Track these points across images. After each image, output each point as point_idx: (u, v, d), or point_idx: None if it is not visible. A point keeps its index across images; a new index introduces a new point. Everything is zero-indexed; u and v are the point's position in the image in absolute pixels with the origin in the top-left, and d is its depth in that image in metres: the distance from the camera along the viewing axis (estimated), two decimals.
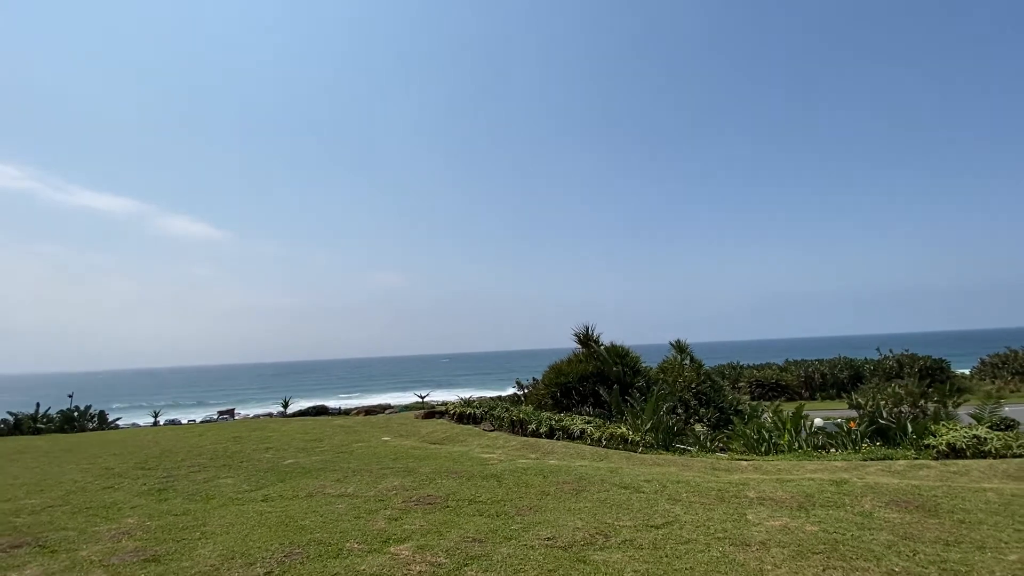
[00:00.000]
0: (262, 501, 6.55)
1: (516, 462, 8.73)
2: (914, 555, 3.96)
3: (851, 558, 3.92)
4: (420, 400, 25.87)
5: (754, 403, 22.97)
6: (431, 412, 17.35)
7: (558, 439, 11.29)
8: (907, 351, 54.17)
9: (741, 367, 57.23)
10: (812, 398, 48.44)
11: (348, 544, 4.55)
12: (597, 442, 10.58)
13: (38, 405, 24.18)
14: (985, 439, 7.82)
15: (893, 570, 3.67)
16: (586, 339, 19.71)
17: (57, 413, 27.07)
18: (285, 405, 24.16)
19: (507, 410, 14.65)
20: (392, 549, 4.39)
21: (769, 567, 3.78)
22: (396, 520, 5.33)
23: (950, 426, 8.83)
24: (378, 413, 21.61)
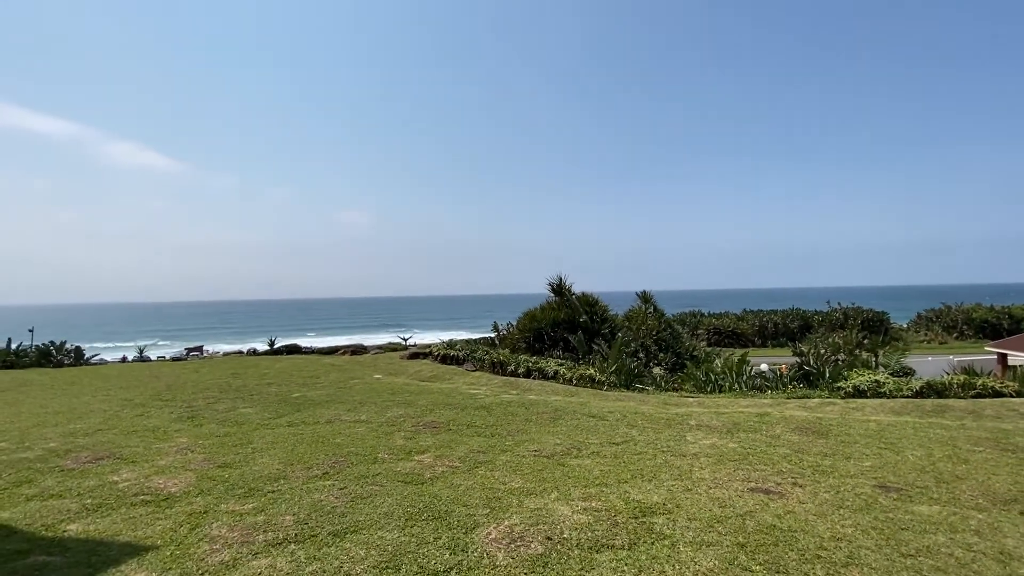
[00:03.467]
0: (287, 426, 7.72)
1: (500, 397, 10.14)
2: (800, 461, 5.49)
3: (755, 463, 5.42)
4: (403, 341, 27.13)
5: (709, 349, 25.27)
6: (415, 353, 18.66)
7: (534, 379, 12.78)
8: (853, 304, 58.43)
9: (701, 315, 60.54)
10: (764, 346, 52.28)
11: (380, 455, 5.81)
12: (568, 381, 12.11)
13: (10, 340, 24.37)
14: (883, 383, 9.63)
15: (781, 470, 5.17)
16: (559, 288, 21.10)
17: (32, 348, 27.21)
18: (271, 344, 24.98)
19: (487, 352, 16.07)
20: (416, 458, 5.67)
21: (696, 469, 5.23)
22: (411, 439, 6.62)
23: (860, 372, 10.66)
24: (363, 354, 22.82)
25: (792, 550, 3.37)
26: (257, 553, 3.43)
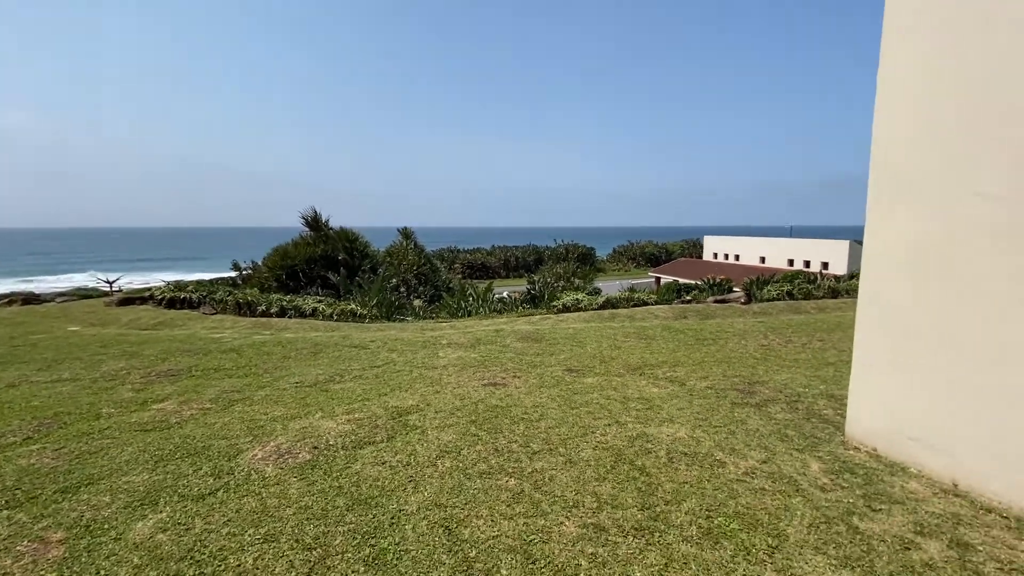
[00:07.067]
0: None
1: (251, 338, 9.55)
2: (520, 361, 7.14)
3: (489, 366, 6.82)
4: (107, 285, 21.55)
5: (464, 281, 28.01)
6: (128, 299, 15.46)
7: (290, 318, 12.29)
8: (572, 241, 71.77)
9: (457, 251, 65.60)
10: (508, 276, 60.28)
11: (104, 410, 5.08)
12: (329, 317, 12.10)
13: None
14: (581, 300, 12.73)
15: (507, 368, 6.68)
16: (315, 223, 20.02)
17: None
18: None
19: (230, 293, 14.48)
20: (155, 407, 5.19)
21: (445, 376, 6.31)
22: (142, 390, 5.90)
23: (568, 293, 13.77)
24: (40, 303, 17.47)
25: (506, 418, 4.64)
26: None
